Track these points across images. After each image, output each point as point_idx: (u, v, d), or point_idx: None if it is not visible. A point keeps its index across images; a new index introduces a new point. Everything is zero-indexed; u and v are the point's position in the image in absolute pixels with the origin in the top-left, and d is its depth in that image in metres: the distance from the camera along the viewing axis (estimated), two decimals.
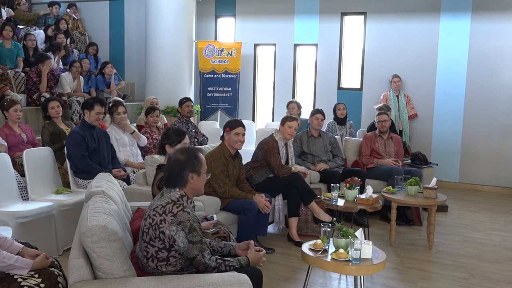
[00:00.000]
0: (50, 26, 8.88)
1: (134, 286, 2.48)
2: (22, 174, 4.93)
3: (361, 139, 6.71)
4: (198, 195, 2.91)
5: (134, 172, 5.57)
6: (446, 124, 8.44)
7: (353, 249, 3.25)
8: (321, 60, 9.28)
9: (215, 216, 3.92)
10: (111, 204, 2.96)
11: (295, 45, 9.51)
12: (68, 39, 9.21)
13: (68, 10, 10.32)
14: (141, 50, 9.68)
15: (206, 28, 10.19)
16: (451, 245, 5.33)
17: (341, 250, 3.28)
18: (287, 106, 7.33)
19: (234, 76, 9.43)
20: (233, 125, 4.77)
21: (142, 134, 6.38)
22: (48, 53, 7.83)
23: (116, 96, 7.93)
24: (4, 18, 8.40)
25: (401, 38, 8.62)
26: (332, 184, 5.02)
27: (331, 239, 3.44)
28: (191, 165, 2.79)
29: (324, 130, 6.84)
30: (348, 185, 4.93)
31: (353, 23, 9.14)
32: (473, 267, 4.68)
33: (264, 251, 3.04)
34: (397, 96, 8.38)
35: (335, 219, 5.18)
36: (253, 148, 5.99)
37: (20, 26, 8.94)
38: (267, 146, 5.29)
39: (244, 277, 2.63)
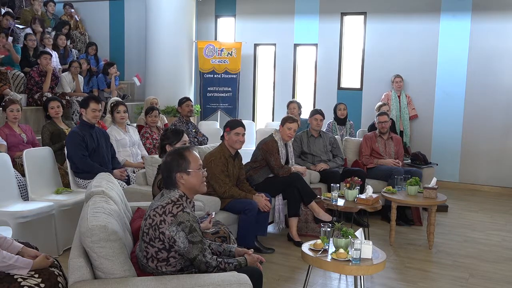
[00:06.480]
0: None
1: (134, 286, 2.48)
2: (22, 174, 4.93)
3: (361, 139, 6.71)
4: (199, 193, 2.89)
5: (134, 172, 5.57)
6: (446, 124, 8.44)
7: (353, 249, 3.25)
8: (321, 60, 9.29)
9: (213, 213, 3.92)
10: (111, 204, 2.96)
11: (295, 45, 9.51)
12: (68, 41, 9.22)
13: (71, 9, 10.28)
14: (141, 50, 9.69)
15: (206, 28, 10.19)
16: (451, 245, 5.33)
17: (341, 250, 3.28)
18: (288, 106, 7.32)
19: (234, 76, 9.43)
20: (233, 125, 4.77)
21: (142, 134, 6.39)
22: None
23: (116, 96, 7.95)
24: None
25: (401, 38, 8.63)
26: (332, 184, 5.01)
27: (331, 239, 3.45)
28: (176, 166, 2.76)
29: (324, 130, 6.84)
30: (348, 185, 4.92)
31: (353, 23, 9.14)
32: (473, 267, 4.69)
33: (259, 256, 3.04)
34: (399, 97, 8.38)
35: (335, 219, 5.19)
36: (253, 148, 5.98)
37: (20, 26, 8.94)
38: (266, 146, 5.29)
39: (244, 277, 2.63)
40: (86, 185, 5.03)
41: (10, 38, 7.82)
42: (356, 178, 5.00)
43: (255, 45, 9.87)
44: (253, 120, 9.92)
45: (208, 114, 9.48)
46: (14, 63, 7.73)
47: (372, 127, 7.34)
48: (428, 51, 8.46)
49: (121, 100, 6.92)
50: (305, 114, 7.55)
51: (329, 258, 3.31)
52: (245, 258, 2.91)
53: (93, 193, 3.10)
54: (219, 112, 9.51)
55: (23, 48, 7.98)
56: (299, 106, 7.30)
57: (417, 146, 8.34)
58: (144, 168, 5.23)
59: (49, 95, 7.00)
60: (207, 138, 6.98)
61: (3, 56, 7.39)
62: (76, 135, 5.09)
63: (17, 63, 7.77)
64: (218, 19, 10.24)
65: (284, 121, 5.43)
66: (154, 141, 6.34)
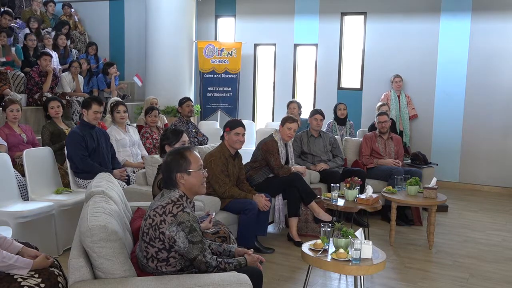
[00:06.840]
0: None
1: (134, 286, 2.48)
2: (22, 174, 4.93)
3: (361, 139, 6.71)
4: (199, 193, 2.88)
5: (134, 172, 5.57)
6: (446, 124, 8.44)
7: (353, 249, 3.25)
8: (321, 60, 9.29)
9: (213, 213, 3.92)
10: (111, 204, 2.96)
11: (295, 45, 9.51)
12: (68, 41, 9.22)
13: (71, 9, 10.28)
14: (141, 50, 9.69)
15: (206, 28, 10.19)
16: (451, 245, 5.33)
17: (341, 250, 3.28)
18: (288, 106, 7.32)
19: (234, 76, 9.43)
20: (233, 125, 4.77)
21: (142, 134, 6.39)
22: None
23: (116, 96, 7.95)
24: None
25: (401, 38, 8.63)
26: (332, 184, 5.02)
27: (331, 239, 3.44)
28: (177, 166, 2.76)
29: (324, 130, 6.84)
30: (348, 185, 4.92)
31: (353, 23, 9.14)
32: (473, 267, 4.69)
33: (259, 256, 3.03)
34: (398, 97, 8.38)
35: (335, 219, 5.18)
36: (253, 148, 5.98)
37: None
38: (266, 146, 5.29)
39: (244, 277, 2.63)
40: (86, 185, 5.03)
41: (13, 48, 7.81)
42: (356, 178, 5.00)
43: (255, 45, 9.87)
44: (253, 120, 9.92)
45: (208, 114, 9.48)
46: (15, 64, 7.73)
47: (372, 127, 7.34)
48: (428, 51, 8.46)
49: (121, 100, 6.92)
50: (305, 114, 7.55)
51: (329, 258, 3.31)
52: (245, 258, 2.91)
53: (93, 193, 3.10)
54: (219, 112, 9.51)
55: (23, 48, 7.98)
56: (299, 106, 7.30)
57: (417, 146, 8.34)
58: (144, 168, 5.23)
59: (49, 95, 7.00)
60: (207, 138, 6.98)
61: (5, 60, 7.39)
62: (76, 135, 5.08)
63: (18, 66, 7.76)
64: (218, 19, 10.24)
65: (284, 121, 5.43)
66: (154, 141, 6.34)
